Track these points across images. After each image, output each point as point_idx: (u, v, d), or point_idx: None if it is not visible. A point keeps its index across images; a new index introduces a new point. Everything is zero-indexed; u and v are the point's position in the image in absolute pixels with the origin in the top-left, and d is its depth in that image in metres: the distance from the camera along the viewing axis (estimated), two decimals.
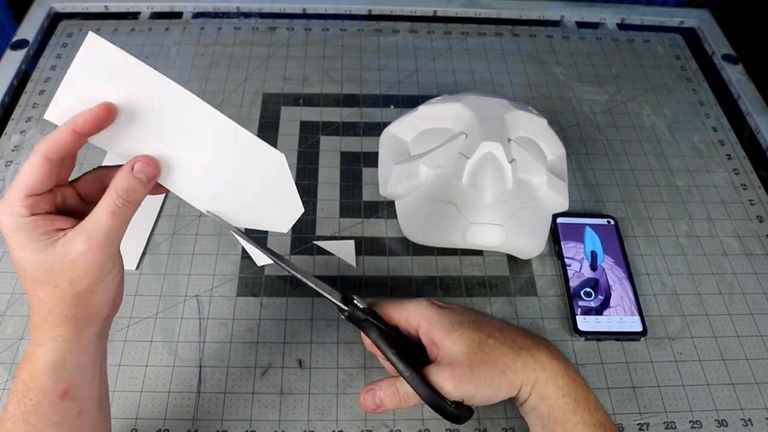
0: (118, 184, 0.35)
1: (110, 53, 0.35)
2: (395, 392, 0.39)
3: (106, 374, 0.39)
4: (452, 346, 0.39)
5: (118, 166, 0.36)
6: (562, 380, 0.39)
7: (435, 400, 0.38)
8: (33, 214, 0.33)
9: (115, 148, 0.37)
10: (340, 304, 0.41)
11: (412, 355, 0.40)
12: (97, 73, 0.35)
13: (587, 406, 0.39)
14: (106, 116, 0.35)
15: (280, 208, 0.41)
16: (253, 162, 0.38)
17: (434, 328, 0.40)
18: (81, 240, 0.33)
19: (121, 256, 0.37)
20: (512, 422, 0.48)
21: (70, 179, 0.37)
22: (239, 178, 0.38)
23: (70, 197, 0.37)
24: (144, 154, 0.36)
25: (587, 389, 0.40)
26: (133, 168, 0.35)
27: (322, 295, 0.41)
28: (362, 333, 0.41)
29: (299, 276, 0.41)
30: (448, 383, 0.38)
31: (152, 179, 0.36)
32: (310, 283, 0.41)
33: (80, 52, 0.35)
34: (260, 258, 0.53)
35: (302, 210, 0.40)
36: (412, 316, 0.41)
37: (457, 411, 0.38)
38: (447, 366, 0.39)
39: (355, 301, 0.41)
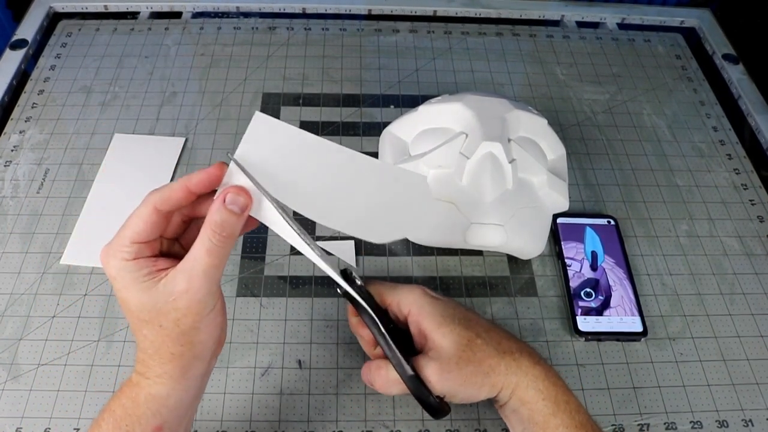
0: (212, 220, 0.34)
1: (275, 127, 0.38)
2: (383, 375, 0.40)
3: (195, 412, 0.40)
4: (442, 340, 0.39)
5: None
6: (543, 384, 0.39)
7: (421, 391, 0.38)
8: (135, 259, 0.34)
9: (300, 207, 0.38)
10: (339, 280, 0.40)
11: (398, 339, 0.40)
12: (262, 145, 0.37)
13: (568, 409, 0.39)
14: (216, 176, 0.35)
15: (403, 220, 0.41)
16: (391, 185, 0.40)
17: (425, 319, 0.40)
18: (181, 279, 0.34)
19: (221, 291, 0.37)
20: None
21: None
22: (373, 200, 0.40)
23: (174, 245, 0.38)
24: (234, 185, 0.36)
25: (568, 393, 0.40)
26: (224, 200, 0.35)
27: (327, 272, 0.40)
28: (351, 310, 0.41)
29: (302, 241, 0.38)
30: (435, 377, 0.38)
31: (245, 209, 0.36)
32: (311, 251, 0.38)
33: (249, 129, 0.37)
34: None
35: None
36: (405, 302, 0.41)
37: (439, 404, 0.39)
38: (435, 360, 0.39)
39: (354, 277, 0.41)
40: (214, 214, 0.34)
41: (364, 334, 0.43)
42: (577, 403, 0.40)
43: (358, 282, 0.41)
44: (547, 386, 0.40)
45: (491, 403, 0.42)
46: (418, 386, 0.38)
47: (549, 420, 0.39)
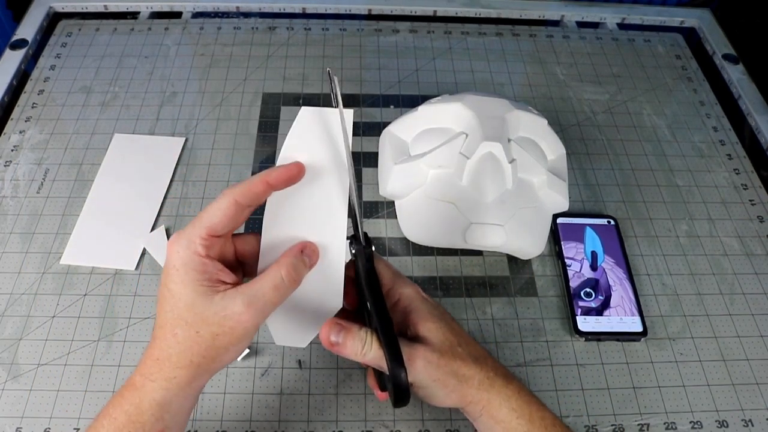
0: (288, 262, 0.36)
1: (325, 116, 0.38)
2: (361, 340, 0.38)
3: (189, 416, 0.39)
4: (428, 334, 0.39)
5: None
6: (516, 403, 0.39)
7: (397, 367, 0.36)
8: (206, 256, 0.35)
9: (273, 209, 0.38)
10: (361, 237, 0.39)
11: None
12: (307, 137, 0.39)
13: (543, 424, 0.39)
14: (297, 174, 0.37)
15: (297, 326, 0.40)
16: (320, 281, 0.39)
17: (415, 312, 0.40)
18: (241, 302, 0.34)
19: (258, 329, 0.37)
20: None
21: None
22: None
23: (229, 251, 0.38)
24: (310, 241, 0.38)
25: (543, 409, 0.40)
26: (302, 250, 0.37)
27: (354, 221, 0.39)
28: (348, 271, 0.40)
29: (351, 185, 0.38)
30: (419, 361, 0.38)
31: (313, 265, 0.38)
32: (352, 195, 0.38)
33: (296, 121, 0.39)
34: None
35: (304, 346, 0.40)
36: (399, 291, 0.41)
37: (408, 388, 0.37)
38: (421, 345, 0.39)
39: (372, 247, 0.40)
40: (291, 258, 0.36)
41: (349, 293, 0.41)
42: (553, 418, 0.40)
43: (373, 248, 0.40)
44: (521, 405, 0.39)
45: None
46: (397, 364, 0.36)
47: None
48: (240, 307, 0.34)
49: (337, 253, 0.39)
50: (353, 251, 0.40)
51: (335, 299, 0.39)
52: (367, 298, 0.39)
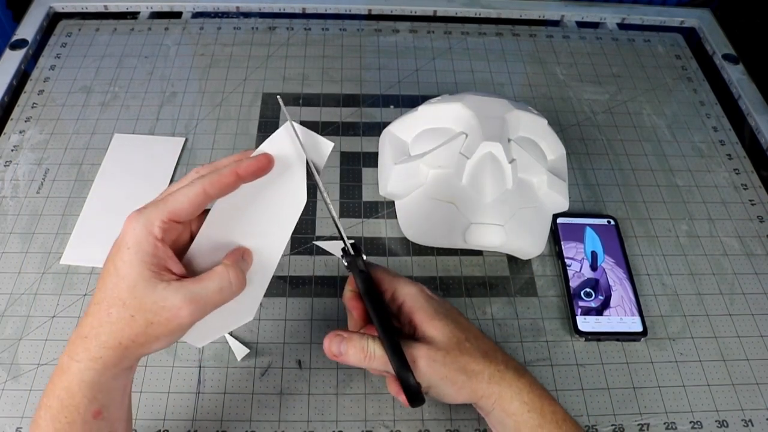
0: (236, 266, 0.36)
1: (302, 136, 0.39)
2: (363, 348, 0.38)
3: (131, 400, 0.39)
4: (434, 332, 0.40)
5: None
6: (528, 396, 0.39)
7: (403, 370, 0.37)
8: (161, 240, 0.34)
9: (223, 204, 0.38)
10: (349, 248, 0.40)
11: (389, 321, 0.40)
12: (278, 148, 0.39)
13: (555, 419, 0.39)
14: (267, 165, 0.37)
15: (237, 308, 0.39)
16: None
17: (419, 312, 0.40)
18: (182, 297, 0.34)
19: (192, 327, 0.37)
20: None
21: None
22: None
23: (184, 237, 0.38)
24: (248, 249, 0.38)
25: (554, 404, 0.40)
26: (242, 256, 0.37)
27: (337, 233, 0.40)
28: (350, 280, 0.41)
29: (326, 201, 0.39)
30: (422, 361, 0.38)
31: (246, 272, 0.38)
32: (332, 212, 0.39)
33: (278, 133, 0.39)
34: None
35: (250, 319, 0.39)
36: (401, 292, 0.41)
37: (418, 389, 0.38)
38: (424, 345, 0.39)
39: (363, 255, 0.41)
40: (239, 262, 0.36)
41: (355, 309, 0.42)
42: (564, 413, 0.40)
43: (365, 257, 0.41)
44: (532, 398, 0.40)
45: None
46: (402, 366, 0.37)
47: (536, 431, 0.39)
48: (180, 301, 0.33)
49: (268, 267, 0.38)
50: (346, 263, 0.40)
51: (248, 313, 0.38)
52: (366, 305, 0.40)
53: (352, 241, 0.41)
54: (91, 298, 0.35)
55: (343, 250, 0.40)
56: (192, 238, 0.38)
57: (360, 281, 0.40)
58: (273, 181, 0.38)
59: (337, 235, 0.40)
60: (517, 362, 0.42)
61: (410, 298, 0.41)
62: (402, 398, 0.39)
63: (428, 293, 0.42)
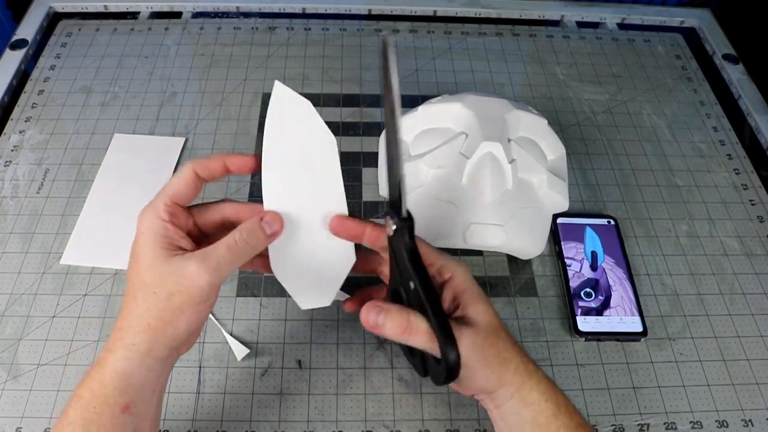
0: (244, 226, 0.38)
1: (296, 102, 0.41)
2: (405, 321, 0.37)
3: (161, 403, 0.40)
4: (478, 315, 0.40)
5: (241, 203, 0.41)
6: (545, 386, 0.40)
7: (449, 346, 0.36)
8: (170, 221, 0.37)
9: (269, 190, 0.41)
10: (405, 208, 0.38)
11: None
12: (286, 121, 0.41)
13: (567, 411, 0.40)
14: (253, 167, 0.40)
15: (316, 288, 0.43)
16: (333, 241, 0.42)
17: (467, 292, 0.40)
18: (195, 261, 0.36)
19: (217, 295, 0.39)
20: None
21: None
22: (313, 248, 0.42)
23: (192, 226, 0.40)
24: (273, 210, 0.40)
25: (565, 396, 0.41)
26: (262, 219, 0.39)
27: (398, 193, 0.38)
28: (390, 247, 0.40)
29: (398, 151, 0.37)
30: (466, 341, 0.37)
31: (275, 235, 0.40)
32: (400, 166, 0.37)
33: (272, 100, 0.41)
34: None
35: (328, 304, 0.43)
36: (450, 267, 0.41)
37: (459, 365, 0.36)
38: (468, 326, 0.38)
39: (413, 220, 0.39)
40: (248, 224, 0.38)
41: (385, 271, 0.43)
42: (573, 406, 0.41)
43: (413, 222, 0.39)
44: (549, 388, 0.40)
45: (469, 386, 0.41)
46: (448, 342, 0.36)
47: (551, 421, 0.39)
48: (194, 265, 0.36)
49: (341, 212, 0.42)
50: (395, 227, 0.38)
51: (348, 255, 0.42)
52: (411, 275, 0.38)
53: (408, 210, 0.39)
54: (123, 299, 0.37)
55: (392, 210, 0.38)
56: (198, 229, 0.41)
57: (407, 248, 0.38)
58: (301, 150, 0.41)
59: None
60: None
61: (459, 275, 0.41)
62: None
63: (472, 276, 0.42)
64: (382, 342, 0.52)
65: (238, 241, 0.37)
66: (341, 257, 0.42)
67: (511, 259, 0.58)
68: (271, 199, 0.41)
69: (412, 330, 0.37)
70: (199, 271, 0.36)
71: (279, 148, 0.40)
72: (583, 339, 0.53)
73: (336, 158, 0.41)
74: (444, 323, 0.37)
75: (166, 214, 0.37)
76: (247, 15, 0.82)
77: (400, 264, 0.39)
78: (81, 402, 0.35)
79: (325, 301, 0.43)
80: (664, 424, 0.49)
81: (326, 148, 0.41)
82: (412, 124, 0.61)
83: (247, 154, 0.40)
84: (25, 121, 0.67)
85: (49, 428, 0.46)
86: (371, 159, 0.64)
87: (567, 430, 0.39)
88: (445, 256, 0.42)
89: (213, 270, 0.36)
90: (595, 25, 0.86)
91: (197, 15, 0.81)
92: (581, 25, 0.85)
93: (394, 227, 0.38)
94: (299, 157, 0.41)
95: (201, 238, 0.41)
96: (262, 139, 0.40)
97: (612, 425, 0.49)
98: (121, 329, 0.36)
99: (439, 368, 0.37)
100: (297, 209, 0.41)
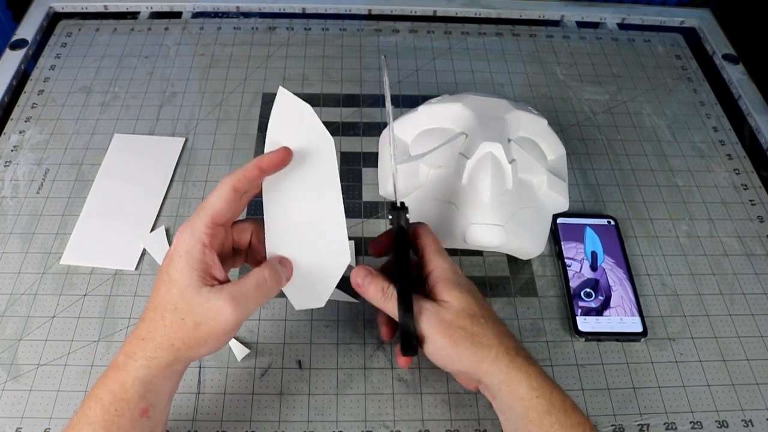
0: (270, 264, 0.40)
1: (297, 106, 0.42)
2: (383, 290, 0.41)
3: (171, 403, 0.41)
4: (449, 298, 0.41)
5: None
6: (536, 382, 0.40)
7: (406, 314, 0.39)
8: (209, 246, 0.38)
9: (269, 197, 0.42)
10: (399, 203, 0.43)
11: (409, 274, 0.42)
12: (287, 124, 0.42)
13: (563, 408, 0.39)
14: (286, 157, 0.40)
15: (311, 290, 0.43)
16: (329, 244, 0.42)
17: (442, 281, 0.41)
18: (225, 296, 0.37)
19: (239, 327, 0.40)
20: None
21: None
22: (310, 251, 0.42)
23: (227, 241, 0.41)
24: (284, 257, 0.42)
25: (563, 394, 0.40)
26: (280, 261, 0.41)
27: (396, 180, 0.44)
28: (389, 230, 0.43)
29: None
30: (429, 313, 0.40)
31: (289, 278, 0.42)
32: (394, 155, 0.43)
33: (275, 105, 0.42)
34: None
35: (322, 305, 0.43)
36: (434, 262, 0.43)
37: (414, 337, 0.40)
38: (437, 304, 0.40)
39: (408, 215, 0.43)
40: (274, 263, 0.40)
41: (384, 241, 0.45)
42: (572, 404, 0.40)
43: (408, 215, 0.43)
44: (541, 384, 0.40)
45: (491, 404, 0.42)
46: (407, 310, 0.39)
47: (544, 417, 0.39)
48: (223, 301, 0.36)
49: (337, 216, 0.42)
50: (390, 217, 0.43)
51: (343, 256, 0.42)
52: (394, 250, 0.42)
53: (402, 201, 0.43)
54: (146, 304, 0.38)
55: (392, 203, 0.43)
56: (233, 244, 0.42)
57: (396, 228, 0.42)
58: (299, 153, 0.42)
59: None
60: (529, 353, 0.42)
61: (439, 268, 0.42)
62: (384, 332, 0.44)
63: (459, 272, 0.43)
64: (382, 342, 0.52)
65: (268, 279, 0.39)
66: (336, 259, 0.42)
67: (511, 259, 0.58)
68: (270, 200, 0.41)
69: (386, 297, 0.41)
70: (228, 308, 0.36)
71: (279, 146, 0.41)
72: (583, 339, 0.53)
73: (333, 159, 0.42)
74: (406, 294, 0.40)
75: (207, 238, 0.38)
76: (247, 15, 0.82)
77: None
78: (101, 403, 0.36)
79: (319, 302, 0.43)
80: (664, 424, 0.49)
81: (324, 149, 0.41)
82: (412, 124, 0.60)
83: (278, 149, 0.40)
84: (25, 121, 0.67)
85: (49, 428, 0.46)
86: (371, 159, 0.64)
87: (561, 427, 0.38)
88: (440, 253, 0.43)
89: (242, 308, 0.37)
90: (595, 25, 0.86)
91: (197, 15, 0.81)
92: (581, 25, 0.85)
93: (390, 216, 0.43)
94: (299, 157, 0.41)
95: (233, 252, 0.42)
96: (262, 139, 0.40)
97: (612, 425, 0.49)
98: (143, 340, 0.37)
99: (399, 336, 0.40)
100: (295, 209, 0.42)
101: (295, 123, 0.42)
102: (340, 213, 0.42)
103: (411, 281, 0.41)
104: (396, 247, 0.42)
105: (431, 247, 0.43)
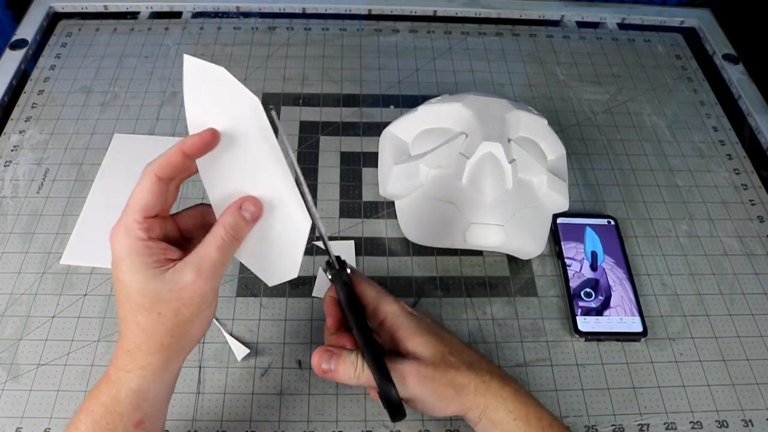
0: (226, 221, 0.36)
1: (210, 72, 0.37)
2: (353, 365, 0.39)
3: (168, 407, 0.40)
4: (418, 348, 0.40)
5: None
6: (513, 405, 0.40)
7: (386, 384, 0.38)
8: (149, 239, 0.35)
9: (209, 176, 0.38)
10: (334, 261, 0.41)
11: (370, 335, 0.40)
12: (203, 94, 0.38)
13: (540, 425, 0.40)
14: (212, 140, 0.37)
15: (279, 263, 0.40)
16: (285, 213, 0.39)
17: (400, 329, 0.41)
18: (190, 271, 0.35)
19: (218, 293, 0.38)
20: None
21: (170, 213, 0.39)
22: (267, 224, 0.39)
23: (171, 230, 0.38)
24: (250, 195, 0.38)
25: (540, 409, 0.41)
26: (240, 206, 0.37)
27: (324, 248, 0.41)
28: (332, 288, 0.41)
29: (313, 216, 0.39)
30: (413, 377, 0.38)
31: (256, 219, 0.38)
32: (320, 228, 0.39)
33: (185, 75, 0.37)
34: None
35: (295, 276, 0.40)
36: (382, 310, 0.42)
37: (400, 403, 0.38)
38: (413, 361, 0.39)
39: (347, 268, 0.41)
40: (229, 217, 0.36)
41: (331, 316, 0.42)
42: (550, 418, 0.40)
43: (349, 271, 0.41)
44: (517, 406, 0.40)
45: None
46: (384, 380, 0.38)
47: None
48: (190, 275, 0.35)
49: (285, 182, 0.38)
50: (329, 276, 0.41)
51: (303, 224, 0.39)
52: (350, 321, 0.40)
53: (337, 255, 0.42)
54: (118, 319, 0.36)
55: (327, 262, 0.41)
56: (181, 233, 0.39)
57: (343, 294, 0.40)
58: (232, 129, 0.38)
59: (336, 235, 0.40)
60: (502, 371, 0.42)
61: (391, 315, 0.41)
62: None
63: (408, 309, 0.42)
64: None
65: (224, 238, 0.36)
66: (296, 226, 0.39)
67: (511, 259, 0.58)
68: (210, 181, 0.38)
69: (360, 373, 0.39)
70: (198, 280, 0.35)
71: (204, 125, 0.37)
72: (583, 339, 0.53)
73: (265, 122, 0.37)
74: (380, 363, 0.38)
75: (143, 232, 0.35)
76: (247, 15, 0.82)
77: (344, 310, 0.41)
78: (92, 416, 0.35)
79: (290, 273, 0.40)
80: (664, 424, 0.49)
81: (253, 114, 0.37)
82: (412, 124, 0.61)
83: (202, 132, 0.36)
84: (25, 121, 0.67)
85: (49, 428, 0.46)
86: (371, 159, 0.64)
87: None
88: (381, 296, 0.42)
89: (211, 275, 0.35)
90: (595, 25, 0.86)
91: (197, 15, 0.81)
92: (581, 25, 0.85)
93: (329, 277, 0.41)
94: (228, 129, 0.37)
95: (183, 241, 0.39)
96: None
97: (612, 425, 0.49)
98: (130, 352, 0.35)
99: (385, 407, 0.39)
100: (239, 185, 0.38)
101: (213, 92, 0.37)
102: (287, 177, 0.38)
103: (377, 346, 0.39)
104: (353, 317, 0.40)
105: (371, 292, 0.42)
